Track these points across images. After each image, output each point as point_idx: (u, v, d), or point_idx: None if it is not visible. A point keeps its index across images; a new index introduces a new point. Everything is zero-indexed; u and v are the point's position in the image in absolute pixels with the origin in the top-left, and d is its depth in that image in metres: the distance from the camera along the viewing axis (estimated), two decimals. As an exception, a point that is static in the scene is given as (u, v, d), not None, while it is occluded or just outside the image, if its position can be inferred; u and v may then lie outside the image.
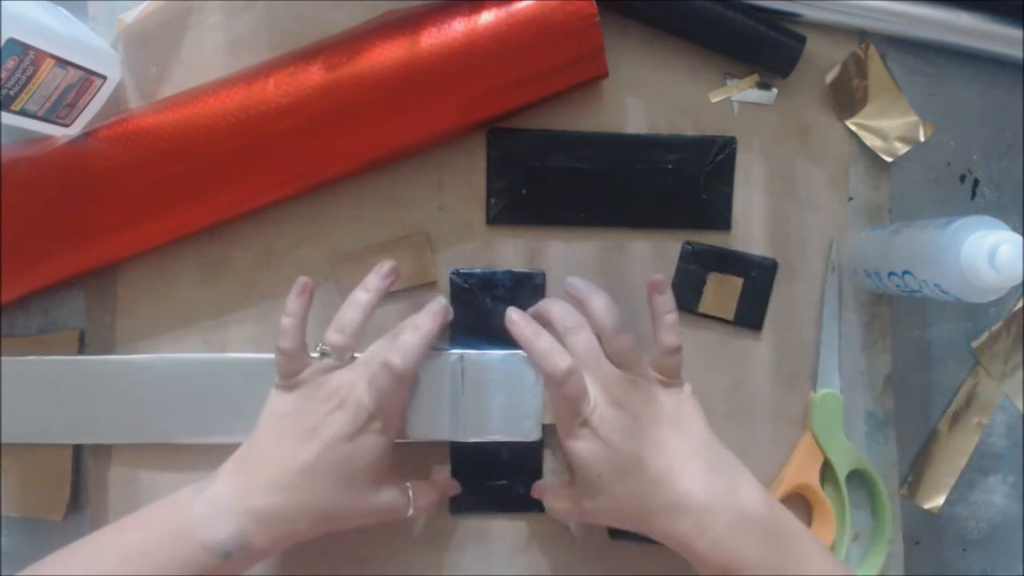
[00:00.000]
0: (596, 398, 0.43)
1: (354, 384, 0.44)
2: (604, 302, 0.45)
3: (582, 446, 0.43)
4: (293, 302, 0.45)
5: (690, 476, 0.42)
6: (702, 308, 0.52)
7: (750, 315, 0.52)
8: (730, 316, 0.52)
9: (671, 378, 0.46)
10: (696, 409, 0.46)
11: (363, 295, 0.46)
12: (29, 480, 0.51)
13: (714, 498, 0.41)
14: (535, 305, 0.49)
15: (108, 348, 0.51)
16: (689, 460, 0.43)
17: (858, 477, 0.53)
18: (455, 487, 0.51)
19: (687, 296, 0.52)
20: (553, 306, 0.47)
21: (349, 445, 0.42)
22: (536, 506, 0.52)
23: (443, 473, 0.52)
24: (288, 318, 0.45)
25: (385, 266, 0.47)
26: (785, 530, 0.42)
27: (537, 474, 0.52)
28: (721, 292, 0.52)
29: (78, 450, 0.51)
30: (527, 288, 0.51)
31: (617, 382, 0.44)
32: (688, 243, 0.52)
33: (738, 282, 0.52)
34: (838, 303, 0.53)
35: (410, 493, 0.46)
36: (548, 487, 0.49)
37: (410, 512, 0.46)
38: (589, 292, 0.46)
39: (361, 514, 0.44)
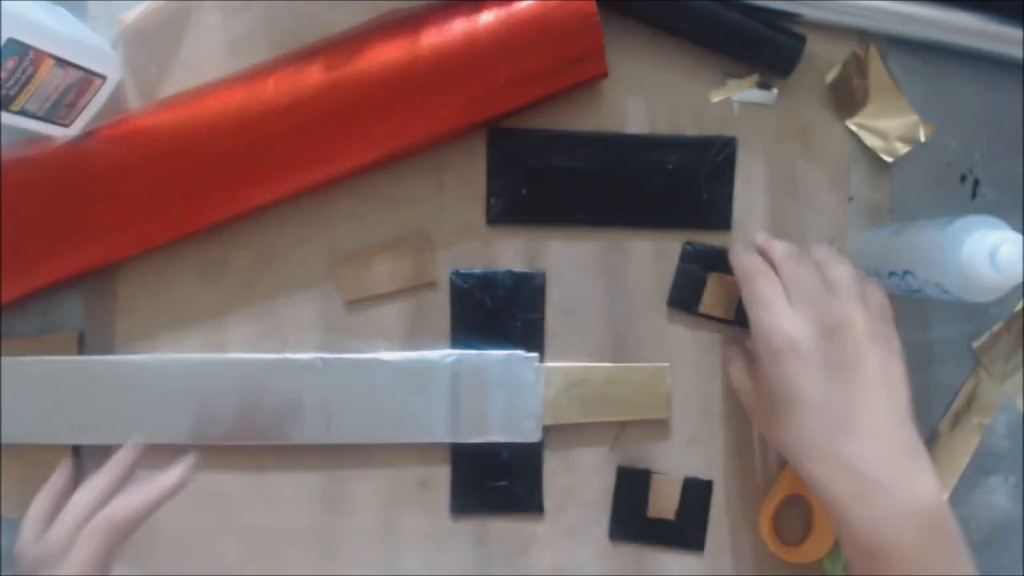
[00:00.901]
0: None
1: None
2: (825, 246, 0.46)
3: (790, 369, 0.42)
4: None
5: (875, 446, 0.40)
6: (702, 308, 0.52)
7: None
8: (730, 316, 0.52)
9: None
10: (903, 374, 0.43)
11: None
12: (29, 480, 0.51)
13: (892, 478, 0.39)
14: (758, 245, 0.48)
15: (108, 348, 0.51)
16: (882, 430, 0.40)
17: (859, 477, 0.53)
18: None
19: (687, 297, 0.52)
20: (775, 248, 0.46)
21: None
22: (536, 506, 0.52)
23: (441, 472, 0.52)
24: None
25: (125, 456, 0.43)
26: (949, 535, 0.40)
27: (537, 475, 0.52)
28: (721, 293, 0.51)
29: (78, 450, 0.51)
30: (527, 288, 0.51)
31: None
32: (689, 243, 0.52)
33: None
34: (838, 303, 0.53)
35: None
36: (736, 356, 0.49)
37: None
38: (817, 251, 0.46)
39: None
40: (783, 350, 0.42)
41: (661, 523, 0.52)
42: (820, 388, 0.41)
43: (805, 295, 0.43)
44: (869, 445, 0.40)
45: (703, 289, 0.52)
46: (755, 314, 0.44)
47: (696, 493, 0.52)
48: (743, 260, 0.46)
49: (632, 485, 0.52)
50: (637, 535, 0.52)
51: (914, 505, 0.39)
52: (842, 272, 0.44)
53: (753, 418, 0.48)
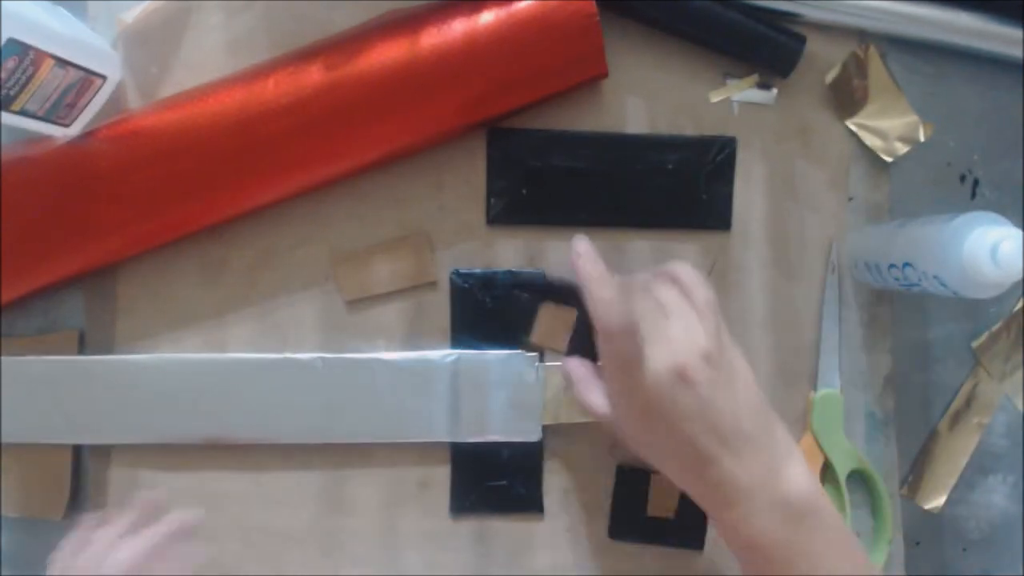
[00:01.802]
0: (687, 347, 0.39)
1: None
2: (680, 263, 0.43)
3: (675, 397, 0.39)
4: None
5: (734, 453, 0.40)
6: (534, 339, 0.50)
7: (582, 349, 0.48)
8: (562, 348, 0.49)
9: None
10: (746, 366, 0.42)
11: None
12: (29, 480, 0.51)
13: (756, 480, 0.40)
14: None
15: (108, 348, 0.51)
16: (749, 438, 0.40)
17: (858, 477, 0.53)
18: None
19: (517, 326, 0.50)
20: (678, 268, 0.43)
21: None
22: (536, 506, 0.52)
23: (441, 471, 0.52)
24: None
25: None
26: (822, 520, 0.41)
27: (537, 475, 0.52)
28: (553, 323, 0.50)
29: (78, 450, 0.51)
30: (527, 289, 0.51)
31: (709, 332, 0.40)
32: (509, 272, 0.51)
33: (571, 313, 0.50)
34: (838, 303, 0.53)
35: None
36: (583, 375, 0.46)
37: None
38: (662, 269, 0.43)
39: None
40: (670, 381, 0.39)
41: (661, 522, 0.52)
42: (699, 411, 0.39)
43: (680, 319, 0.40)
44: (736, 457, 0.40)
45: (534, 319, 0.50)
46: (626, 342, 0.41)
47: None
48: (602, 282, 0.44)
49: (632, 485, 0.52)
50: (637, 534, 0.52)
51: (784, 499, 0.40)
52: (708, 295, 0.42)
53: (618, 433, 0.45)
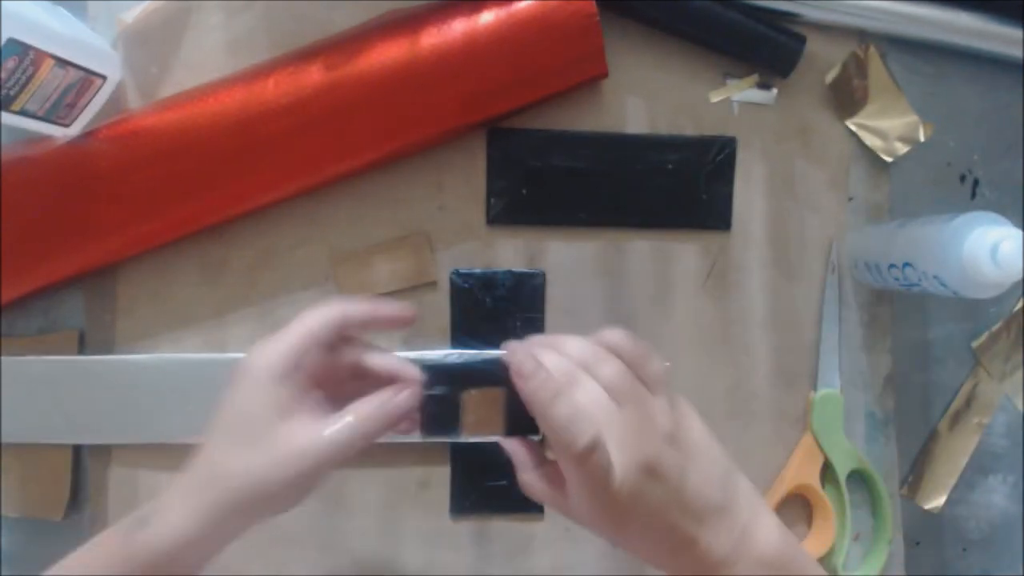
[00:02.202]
0: (650, 437, 0.38)
1: None
2: (619, 331, 0.39)
3: (646, 493, 0.37)
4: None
5: (709, 527, 0.38)
6: (465, 433, 0.42)
7: (519, 425, 0.42)
8: (500, 431, 0.43)
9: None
10: (704, 430, 0.40)
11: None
12: (29, 480, 0.51)
13: (732, 547, 0.39)
14: (531, 344, 0.40)
15: (108, 348, 0.51)
16: (710, 506, 0.38)
17: (858, 477, 0.53)
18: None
19: (444, 425, 0.42)
20: (566, 341, 0.40)
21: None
22: (536, 507, 0.52)
23: (441, 470, 0.52)
24: None
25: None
26: (796, 563, 0.40)
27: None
28: (483, 409, 0.42)
29: (78, 450, 0.51)
30: (527, 288, 0.51)
31: (663, 411, 0.38)
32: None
33: (498, 394, 0.42)
34: (838, 303, 0.53)
35: (349, 418, 0.38)
36: (531, 464, 0.41)
37: (355, 445, 0.38)
38: (600, 337, 0.40)
39: (269, 476, 0.36)
40: (639, 479, 0.36)
41: (500, 490, 0.52)
42: (674, 500, 0.38)
43: (635, 408, 0.37)
44: (713, 531, 0.38)
45: (459, 412, 0.43)
46: (579, 435, 0.36)
47: None
48: (535, 369, 0.37)
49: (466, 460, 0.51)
50: (480, 508, 0.52)
51: (758, 559, 0.39)
52: (656, 366, 0.39)
53: (579, 520, 0.40)
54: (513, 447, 0.42)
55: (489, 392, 0.42)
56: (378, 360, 0.41)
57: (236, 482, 0.37)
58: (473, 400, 0.43)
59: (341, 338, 0.40)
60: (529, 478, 0.41)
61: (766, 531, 0.40)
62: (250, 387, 0.37)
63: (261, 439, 0.37)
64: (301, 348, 0.38)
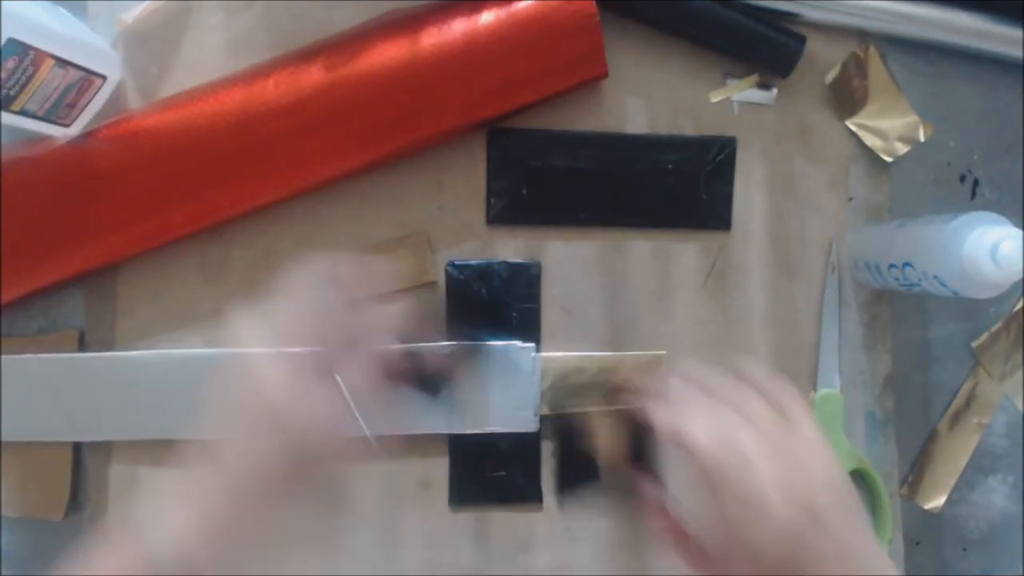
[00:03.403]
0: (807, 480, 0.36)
1: None
2: (756, 365, 0.40)
3: (816, 537, 0.35)
4: None
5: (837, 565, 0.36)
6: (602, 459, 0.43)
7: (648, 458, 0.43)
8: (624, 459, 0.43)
9: None
10: (836, 460, 0.38)
11: None
12: (29, 479, 0.51)
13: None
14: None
15: (108, 348, 0.51)
16: (866, 562, 0.37)
17: (858, 477, 0.53)
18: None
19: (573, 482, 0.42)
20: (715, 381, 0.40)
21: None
22: (535, 497, 0.52)
23: (440, 468, 0.52)
24: None
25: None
26: None
27: (536, 465, 0.52)
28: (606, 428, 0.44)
29: (78, 448, 0.51)
30: (523, 279, 0.51)
31: (820, 459, 0.37)
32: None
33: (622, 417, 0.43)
34: (838, 303, 0.53)
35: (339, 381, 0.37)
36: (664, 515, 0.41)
37: (348, 400, 0.37)
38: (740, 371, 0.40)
39: (269, 455, 0.36)
40: (798, 519, 0.35)
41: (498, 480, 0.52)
42: (836, 550, 0.36)
43: (769, 440, 0.37)
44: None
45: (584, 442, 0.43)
46: (727, 475, 0.36)
47: None
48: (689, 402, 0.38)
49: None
50: (478, 499, 0.52)
51: None
52: (793, 393, 0.39)
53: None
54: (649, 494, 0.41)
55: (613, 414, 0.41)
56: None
57: (238, 466, 0.36)
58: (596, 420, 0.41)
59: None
60: (674, 538, 0.40)
61: (874, 557, 0.37)
62: (256, 392, 0.36)
63: (256, 425, 0.36)
64: (304, 355, 0.37)
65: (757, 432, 0.37)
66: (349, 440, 0.37)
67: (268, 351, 0.36)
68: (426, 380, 0.42)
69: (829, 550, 0.35)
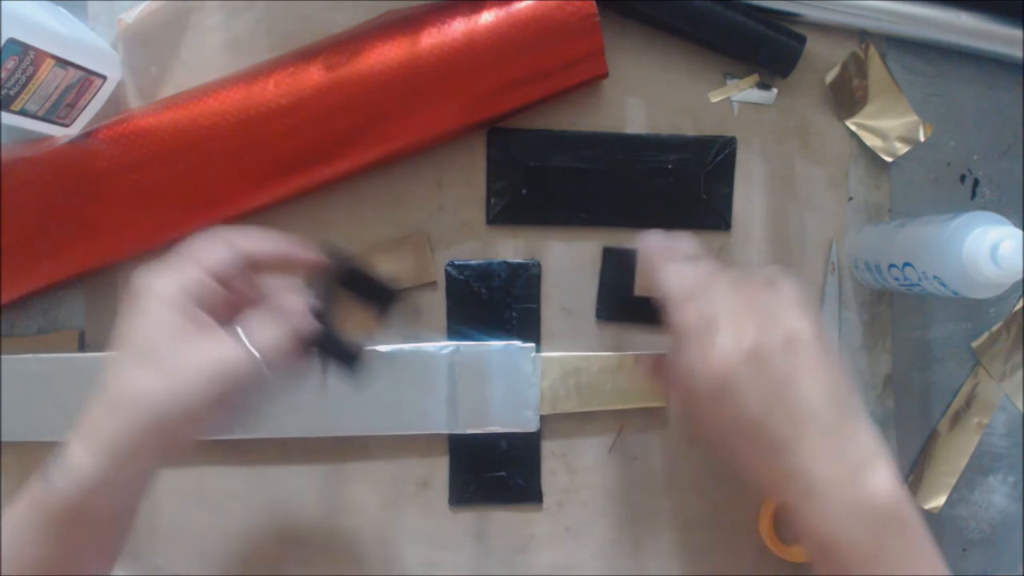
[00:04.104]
0: (764, 328, 0.38)
1: None
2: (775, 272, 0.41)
3: (746, 379, 0.37)
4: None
5: (810, 440, 0.37)
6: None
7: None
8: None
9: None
10: (832, 356, 0.39)
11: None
12: (29, 479, 0.51)
13: (834, 474, 0.37)
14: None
15: (108, 348, 0.51)
16: (816, 420, 0.38)
17: (858, 477, 0.53)
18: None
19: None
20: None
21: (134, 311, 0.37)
22: (535, 496, 0.52)
23: (440, 468, 0.52)
24: None
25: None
26: (908, 529, 0.38)
27: (536, 465, 0.52)
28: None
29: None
30: (523, 278, 0.52)
31: (790, 316, 0.39)
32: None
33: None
34: (838, 303, 0.53)
35: (240, 334, 0.37)
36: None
37: (257, 359, 0.36)
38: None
39: (188, 392, 0.35)
40: (741, 358, 0.37)
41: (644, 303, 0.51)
42: (773, 391, 0.38)
43: (750, 296, 0.39)
44: (812, 447, 0.37)
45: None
46: (698, 317, 0.39)
47: None
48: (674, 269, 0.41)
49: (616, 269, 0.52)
50: (623, 316, 0.52)
51: (866, 501, 0.37)
52: (788, 281, 0.40)
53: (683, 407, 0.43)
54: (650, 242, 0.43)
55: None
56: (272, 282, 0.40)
57: (143, 403, 0.35)
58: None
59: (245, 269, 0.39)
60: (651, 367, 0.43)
61: (880, 478, 0.37)
62: (147, 314, 0.36)
63: (165, 360, 0.36)
64: (199, 281, 0.37)
65: (731, 280, 0.40)
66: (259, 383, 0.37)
67: (163, 277, 0.37)
68: (341, 349, 0.40)
69: (761, 392, 0.37)
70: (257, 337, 0.37)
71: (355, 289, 0.42)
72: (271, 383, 0.37)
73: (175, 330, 0.36)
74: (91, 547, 0.37)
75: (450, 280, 0.52)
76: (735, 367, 0.37)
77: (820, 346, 0.39)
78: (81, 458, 0.35)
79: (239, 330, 0.37)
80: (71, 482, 0.35)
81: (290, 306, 0.39)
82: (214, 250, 0.38)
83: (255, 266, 0.39)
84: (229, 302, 0.38)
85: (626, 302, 0.51)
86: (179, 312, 0.36)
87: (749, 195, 0.53)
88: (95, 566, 0.38)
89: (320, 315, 0.39)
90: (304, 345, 0.39)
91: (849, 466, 0.37)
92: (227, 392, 0.36)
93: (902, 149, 0.53)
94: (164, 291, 0.36)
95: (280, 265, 0.40)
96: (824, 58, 0.52)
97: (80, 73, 0.45)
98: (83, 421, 0.36)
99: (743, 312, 0.38)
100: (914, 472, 0.55)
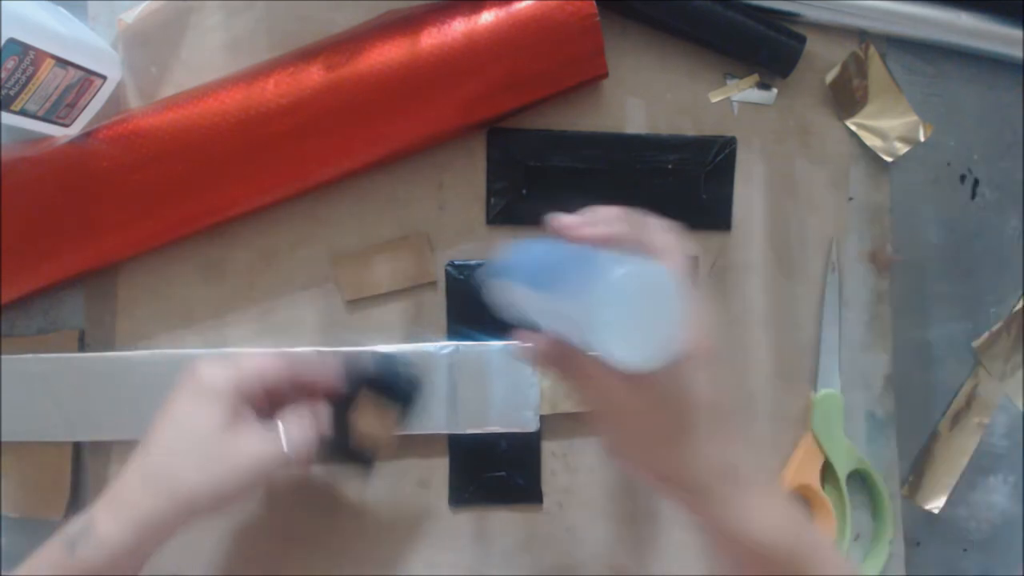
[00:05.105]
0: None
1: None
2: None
3: (699, 373, 0.35)
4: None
5: (738, 435, 0.37)
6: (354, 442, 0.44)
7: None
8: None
9: None
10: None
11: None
12: (29, 479, 0.51)
13: (762, 470, 0.37)
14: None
15: (108, 348, 0.51)
16: (730, 415, 0.37)
17: (859, 477, 0.53)
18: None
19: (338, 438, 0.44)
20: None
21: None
22: (535, 496, 0.52)
23: (440, 468, 0.52)
24: None
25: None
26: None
27: (536, 465, 0.52)
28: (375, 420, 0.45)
29: (78, 448, 0.51)
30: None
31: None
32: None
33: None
34: (838, 303, 0.53)
35: (281, 432, 0.41)
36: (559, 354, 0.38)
37: (289, 457, 0.40)
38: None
39: (225, 482, 0.39)
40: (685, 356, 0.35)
41: (498, 481, 0.52)
42: (713, 388, 0.36)
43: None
44: (740, 440, 0.37)
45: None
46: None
47: None
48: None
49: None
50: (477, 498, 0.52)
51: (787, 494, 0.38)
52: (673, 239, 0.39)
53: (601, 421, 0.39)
54: (526, 336, 0.40)
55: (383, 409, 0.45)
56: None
57: (182, 488, 0.39)
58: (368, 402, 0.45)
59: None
60: (546, 347, 0.38)
61: (765, 510, 0.36)
62: (200, 403, 0.40)
63: (209, 451, 0.39)
64: (251, 381, 0.41)
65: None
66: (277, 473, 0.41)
67: (218, 369, 0.41)
68: (355, 454, 0.45)
69: (709, 384, 0.35)
70: (292, 436, 0.41)
71: (381, 390, 0.45)
72: (286, 472, 0.42)
73: (223, 424, 0.39)
74: None
75: (450, 280, 0.52)
76: (681, 366, 0.35)
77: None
78: (111, 530, 0.38)
79: (280, 428, 0.41)
80: (101, 554, 0.38)
81: (319, 412, 0.43)
82: (270, 360, 0.42)
83: (295, 380, 0.43)
84: (266, 399, 0.43)
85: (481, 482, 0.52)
86: (229, 407, 0.40)
87: (749, 195, 0.53)
88: None
89: (339, 424, 0.44)
90: (324, 447, 0.43)
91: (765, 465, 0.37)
92: (258, 482, 0.40)
93: (902, 149, 0.53)
94: (221, 384, 0.40)
95: (309, 386, 0.44)
96: (824, 58, 0.52)
97: (80, 73, 0.45)
98: (115, 492, 0.39)
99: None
100: (914, 472, 0.55)
